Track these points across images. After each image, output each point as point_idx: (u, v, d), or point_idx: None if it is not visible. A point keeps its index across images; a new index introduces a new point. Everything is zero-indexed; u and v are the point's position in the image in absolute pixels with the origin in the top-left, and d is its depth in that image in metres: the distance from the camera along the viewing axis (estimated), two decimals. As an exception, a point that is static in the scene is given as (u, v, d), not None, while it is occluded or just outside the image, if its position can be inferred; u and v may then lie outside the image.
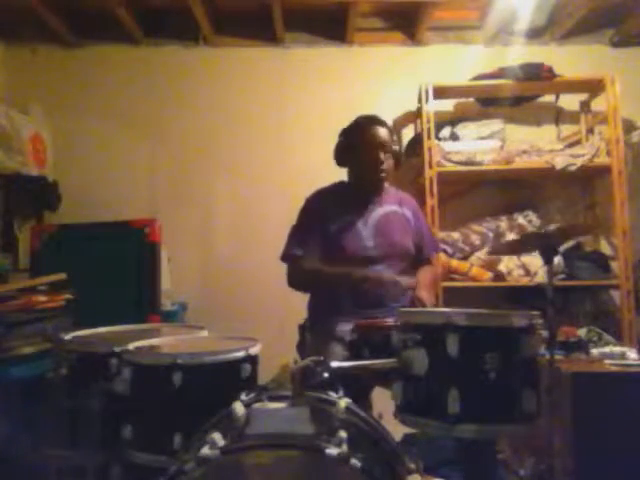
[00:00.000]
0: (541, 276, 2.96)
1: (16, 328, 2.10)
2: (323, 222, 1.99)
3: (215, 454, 0.89)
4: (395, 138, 2.09)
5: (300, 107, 3.44)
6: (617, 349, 2.25)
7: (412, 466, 1.12)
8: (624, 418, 1.86)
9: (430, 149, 3.08)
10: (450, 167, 3.10)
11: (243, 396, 1.12)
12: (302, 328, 2.06)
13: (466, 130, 3.26)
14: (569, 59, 3.36)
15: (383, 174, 2.01)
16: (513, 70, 3.15)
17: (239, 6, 3.31)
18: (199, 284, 3.35)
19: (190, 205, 3.41)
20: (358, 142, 2.02)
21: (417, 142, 3.23)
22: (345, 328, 1.78)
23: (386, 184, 2.10)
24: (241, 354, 1.33)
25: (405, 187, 2.25)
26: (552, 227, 2.85)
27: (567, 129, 3.46)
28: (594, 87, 3.24)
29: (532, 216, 3.21)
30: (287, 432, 0.96)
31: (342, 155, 2.07)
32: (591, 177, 3.35)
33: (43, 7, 3.06)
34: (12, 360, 2.04)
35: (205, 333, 1.71)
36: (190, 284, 3.29)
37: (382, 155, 1.98)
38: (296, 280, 2.02)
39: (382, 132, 2.00)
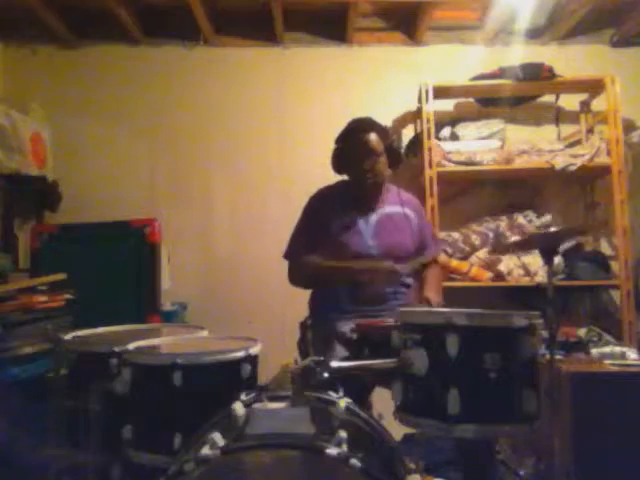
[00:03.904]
0: (541, 276, 2.96)
1: (16, 328, 2.10)
2: (325, 220, 2.00)
3: (215, 454, 0.89)
4: (394, 137, 2.10)
5: (300, 107, 3.44)
6: (617, 349, 2.24)
7: (412, 466, 1.13)
8: (624, 418, 1.86)
9: (430, 149, 3.08)
10: (450, 167, 3.10)
11: (243, 396, 1.12)
12: (303, 325, 2.07)
13: (466, 130, 3.26)
14: (569, 59, 3.36)
15: (371, 180, 2.01)
16: (513, 70, 3.15)
17: (239, 6, 3.30)
18: (199, 284, 3.35)
19: (190, 205, 3.41)
20: (347, 149, 2.03)
21: (417, 142, 3.23)
22: (345, 326, 1.79)
23: (388, 184, 2.11)
24: (241, 354, 1.33)
25: (405, 187, 2.25)
26: (556, 228, 2.84)
27: (567, 129, 3.46)
28: (594, 87, 3.23)
29: (532, 216, 3.21)
30: (287, 432, 0.96)
31: (336, 162, 2.09)
32: (591, 177, 3.35)
33: (43, 7, 3.06)
34: (12, 360, 2.04)
35: (205, 333, 1.71)
36: (190, 284, 3.29)
37: (369, 161, 1.98)
38: (297, 276, 2.05)
39: (370, 137, 1.99)
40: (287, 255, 2.06)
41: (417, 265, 2.06)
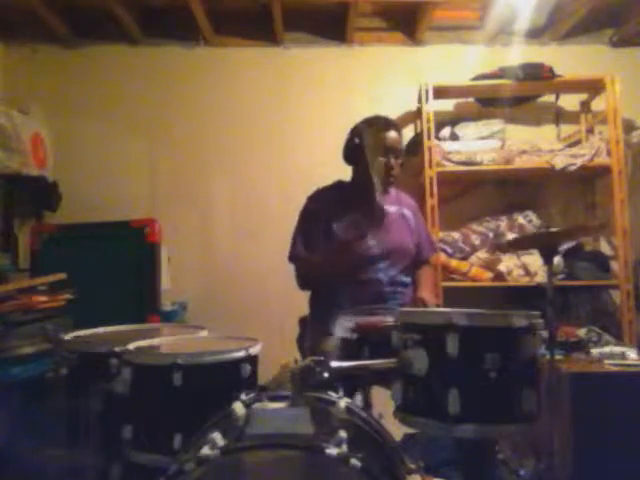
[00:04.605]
0: (541, 276, 2.96)
1: (16, 328, 2.10)
2: (325, 221, 2.00)
3: (215, 454, 0.89)
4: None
5: (300, 107, 3.44)
6: (617, 349, 2.24)
7: (412, 466, 1.13)
8: (624, 418, 1.86)
9: (430, 149, 3.08)
10: (450, 167, 3.10)
11: (243, 396, 1.12)
12: (303, 322, 2.07)
13: (466, 130, 3.26)
14: (569, 59, 3.36)
15: (392, 179, 2.01)
16: (513, 70, 3.15)
17: (239, 6, 3.31)
18: (199, 284, 3.35)
19: (190, 205, 3.41)
20: (371, 145, 2.00)
21: (417, 142, 3.23)
22: (345, 325, 1.79)
23: None
24: (241, 354, 1.33)
25: (405, 187, 2.25)
26: (556, 229, 2.84)
27: (567, 129, 3.47)
28: (594, 87, 3.24)
29: (532, 216, 3.21)
30: (287, 432, 0.96)
31: (353, 154, 2.05)
32: (591, 177, 3.35)
33: (43, 7, 3.06)
34: (12, 360, 2.05)
35: (205, 333, 1.71)
36: (190, 284, 3.29)
37: (393, 160, 1.98)
38: (305, 278, 2.03)
39: (395, 136, 2.01)
40: (291, 258, 2.04)
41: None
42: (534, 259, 2.99)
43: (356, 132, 2.05)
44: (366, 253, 1.96)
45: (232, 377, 1.31)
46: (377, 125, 2.03)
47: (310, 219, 2.05)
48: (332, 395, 1.15)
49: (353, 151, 2.04)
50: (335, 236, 1.97)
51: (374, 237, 1.99)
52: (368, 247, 1.97)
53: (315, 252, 1.97)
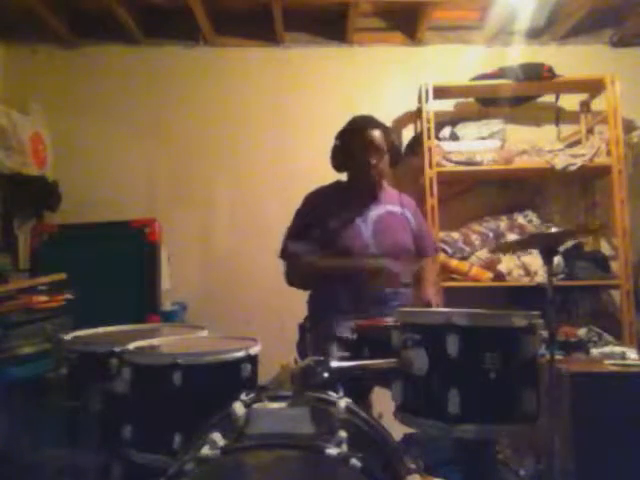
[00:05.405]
0: (541, 276, 2.96)
1: (16, 328, 2.11)
2: (322, 219, 2.00)
3: (215, 454, 0.89)
4: (393, 135, 2.10)
5: (300, 107, 3.44)
6: (617, 349, 2.25)
7: (412, 466, 1.12)
8: (624, 418, 1.86)
9: (430, 149, 3.08)
10: (450, 167, 3.10)
11: (243, 396, 1.12)
12: (302, 328, 2.06)
13: (466, 130, 3.26)
14: (569, 59, 3.36)
15: (373, 178, 2.02)
16: (513, 70, 3.15)
17: (239, 6, 3.30)
18: (199, 284, 3.35)
19: (190, 205, 3.41)
20: (349, 145, 2.03)
21: (417, 142, 3.23)
22: (345, 328, 1.79)
23: (385, 184, 2.12)
24: (241, 354, 1.33)
25: (405, 187, 2.25)
26: (556, 229, 2.84)
27: (567, 129, 3.46)
28: (594, 87, 3.24)
29: (532, 216, 3.21)
30: (287, 432, 0.96)
31: (337, 159, 2.08)
32: (591, 177, 3.35)
33: (43, 7, 3.06)
34: (12, 360, 2.05)
35: (205, 333, 1.71)
36: (190, 284, 3.29)
37: (373, 159, 1.98)
38: (294, 276, 2.03)
39: (373, 135, 2.01)
40: (282, 255, 2.05)
41: (415, 268, 2.07)
42: (534, 259, 2.99)
43: (337, 136, 2.08)
44: (364, 252, 1.96)
45: (232, 377, 1.31)
46: (357, 125, 2.04)
47: (306, 218, 2.05)
48: (332, 395, 1.15)
49: (337, 155, 2.07)
50: (330, 234, 1.97)
51: (373, 238, 1.99)
52: (366, 246, 1.97)
53: (308, 251, 1.97)
